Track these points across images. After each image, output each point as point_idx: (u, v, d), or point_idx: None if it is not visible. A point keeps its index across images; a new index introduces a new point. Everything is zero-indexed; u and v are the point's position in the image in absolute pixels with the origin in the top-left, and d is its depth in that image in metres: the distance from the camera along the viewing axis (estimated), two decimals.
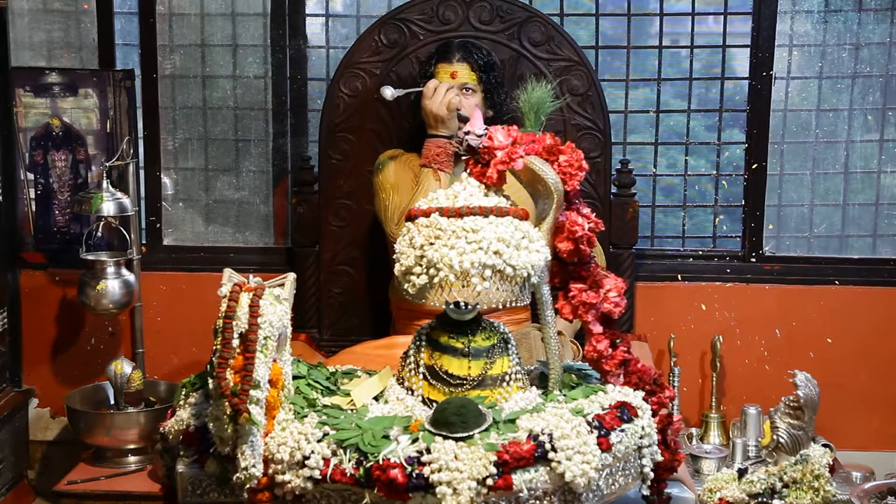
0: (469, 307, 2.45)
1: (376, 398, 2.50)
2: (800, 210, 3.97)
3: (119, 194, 3.58)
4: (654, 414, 2.43)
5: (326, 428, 2.27)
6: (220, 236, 4.05)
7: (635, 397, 2.41)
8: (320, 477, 2.21)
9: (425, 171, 3.33)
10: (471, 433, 2.22)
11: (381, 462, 2.18)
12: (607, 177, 3.65)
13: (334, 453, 2.23)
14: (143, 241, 3.92)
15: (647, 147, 3.96)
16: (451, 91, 3.32)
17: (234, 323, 2.21)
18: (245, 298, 2.24)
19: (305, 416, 2.32)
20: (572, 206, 2.50)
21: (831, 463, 3.03)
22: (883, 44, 3.87)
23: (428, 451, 2.19)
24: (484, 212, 2.36)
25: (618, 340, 2.51)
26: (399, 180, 3.39)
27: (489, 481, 2.16)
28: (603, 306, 2.50)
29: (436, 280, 2.30)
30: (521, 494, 2.19)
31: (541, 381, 2.55)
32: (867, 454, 3.78)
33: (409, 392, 2.47)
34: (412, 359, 2.50)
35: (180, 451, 2.37)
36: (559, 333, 2.94)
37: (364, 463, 2.19)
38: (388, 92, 3.35)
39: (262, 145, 4.01)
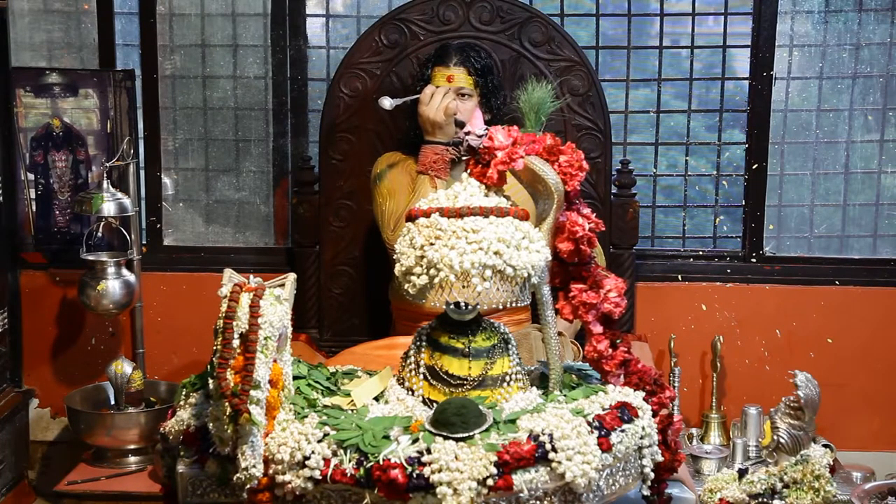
0: (469, 307, 2.45)
1: (377, 398, 2.50)
2: (800, 210, 3.97)
3: (119, 194, 3.58)
4: (655, 414, 2.43)
5: (327, 428, 2.27)
6: (220, 236, 4.05)
7: (636, 397, 2.41)
8: (321, 477, 2.21)
9: (421, 178, 3.31)
10: (471, 433, 2.22)
11: (381, 462, 2.18)
12: (608, 177, 3.65)
13: (335, 454, 2.23)
14: (144, 242, 3.92)
15: (647, 147, 3.96)
16: (448, 96, 3.31)
17: (234, 323, 2.21)
18: (245, 299, 2.24)
19: (306, 417, 2.32)
20: (573, 207, 2.50)
21: (832, 463, 3.03)
22: (883, 44, 3.86)
23: (428, 451, 2.19)
24: (484, 212, 2.36)
25: (618, 341, 2.51)
26: (395, 186, 3.38)
27: (489, 481, 2.15)
28: (603, 306, 2.50)
29: (436, 280, 2.30)
30: (521, 495, 2.18)
31: (541, 381, 2.55)
32: (867, 454, 3.78)
33: (410, 392, 2.47)
34: (412, 359, 2.50)
35: (180, 452, 2.37)
36: (559, 334, 2.94)
37: (364, 463, 2.19)
38: (387, 102, 3.33)
39: (263, 145, 4.01)
